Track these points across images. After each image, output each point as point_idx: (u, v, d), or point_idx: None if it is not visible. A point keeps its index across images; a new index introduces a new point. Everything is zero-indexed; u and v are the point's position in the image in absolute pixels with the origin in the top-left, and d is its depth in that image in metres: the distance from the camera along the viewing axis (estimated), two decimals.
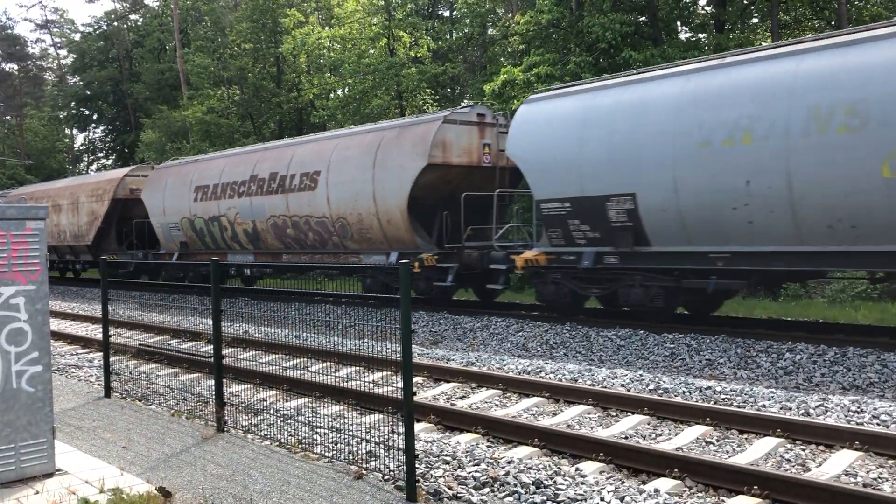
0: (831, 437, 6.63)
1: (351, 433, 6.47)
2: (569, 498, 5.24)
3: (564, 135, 12.77)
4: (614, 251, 12.32)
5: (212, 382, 7.49)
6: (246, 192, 19.31)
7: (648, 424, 7.53)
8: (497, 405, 8.58)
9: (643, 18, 24.76)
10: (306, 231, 17.91)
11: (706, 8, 27.09)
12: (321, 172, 17.10)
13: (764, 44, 13.07)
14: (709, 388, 8.60)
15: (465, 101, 33.59)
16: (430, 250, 15.18)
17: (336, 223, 16.92)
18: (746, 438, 6.96)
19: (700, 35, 26.88)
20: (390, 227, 15.72)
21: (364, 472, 5.66)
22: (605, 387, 8.94)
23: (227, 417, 7.17)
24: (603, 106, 12.44)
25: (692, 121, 11.11)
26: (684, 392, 8.52)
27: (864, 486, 5.70)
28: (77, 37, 58.70)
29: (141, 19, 53.61)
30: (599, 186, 12.23)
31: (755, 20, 27.36)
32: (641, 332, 11.92)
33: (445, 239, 15.44)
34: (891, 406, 7.57)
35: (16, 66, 60.09)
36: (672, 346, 11.05)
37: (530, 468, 5.81)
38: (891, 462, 6.21)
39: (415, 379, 9.37)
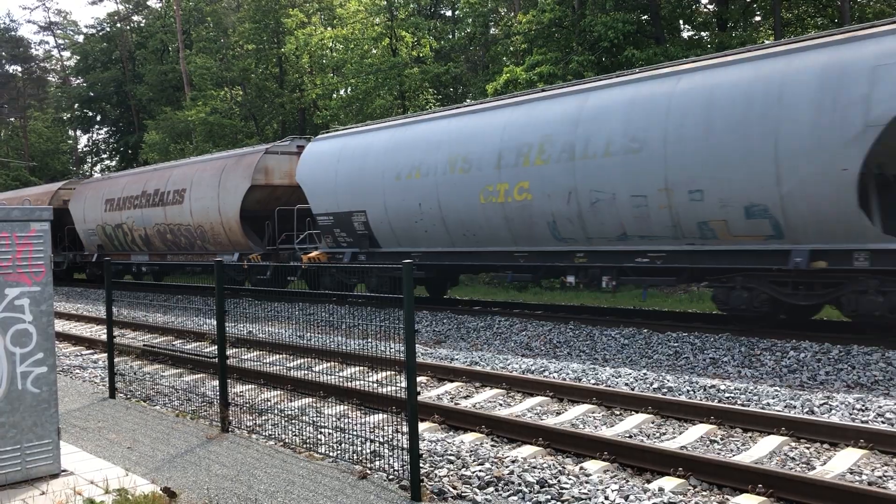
0: (836, 436, 6.62)
1: (355, 433, 6.48)
2: (573, 497, 5.24)
3: (328, 167, 17.10)
4: (360, 251, 16.68)
5: (216, 383, 7.51)
6: (139, 205, 23.85)
7: (652, 423, 7.53)
8: (501, 405, 8.58)
9: (645, 17, 24.74)
10: (179, 236, 22.32)
11: (708, 6, 27.06)
12: (186, 190, 21.47)
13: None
14: (713, 386, 8.60)
15: (468, 100, 33.60)
16: (258, 251, 19.54)
17: (197, 230, 21.32)
18: (751, 437, 6.96)
19: (703, 33, 26.85)
20: (231, 233, 20.11)
21: (368, 471, 5.66)
22: (609, 386, 8.94)
23: (231, 418, 7.19)
24: (349, 147, 16.90)
25: (392, 161, 15.52)
26: (688, 391, 8.52)
27: (870, 484, 5.69)
28: (80, 38, 58.75)
29: (144, 20, 53.65)
30: (347, 205, 16.53)
31: (758, 18, 27.31)
32: (645, 330, 11.92)
33: (268, 242, 19.80)
34: None
35: (19, 68, 60.16)
36: (676, 344, 11.05)
37: (534, 467, 5.81)
38: None
39: (419, 378, 9.40)
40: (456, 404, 8.49)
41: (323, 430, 6.80)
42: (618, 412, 7.95)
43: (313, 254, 17.53)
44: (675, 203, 11.24)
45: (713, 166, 10.78)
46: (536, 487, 5.40)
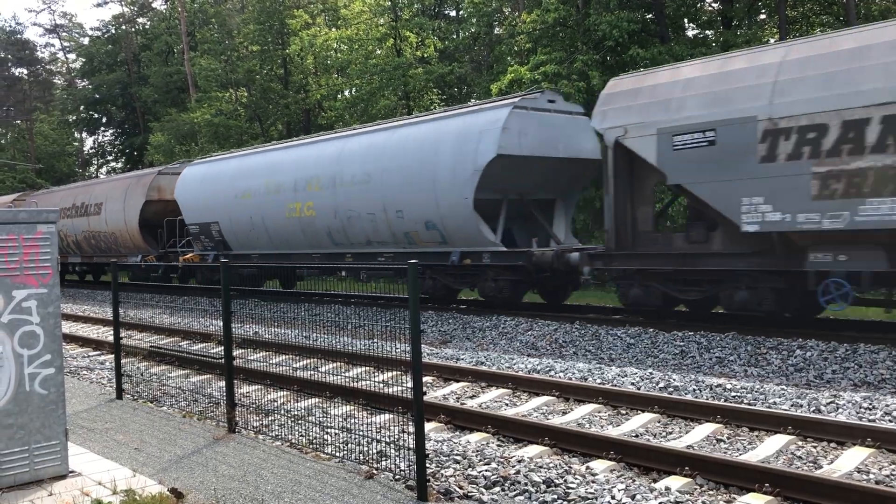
0: (843, 435, 6.60)
1: (361, 433, 6.49)
2: (579, 496, 5.24)
3: (196, 187, 21.71)
4: (219, 253, 21.09)
5: (223, 384, 7.53)
6: (70, 215, 28.05)
7: (659, 423, 7.53)
8: (507, 404, 8.58)
9: (650, 16, 24.69)
10: (100, 241, 26.81)
11: (713, 5, 27.00)
12: (103, 203, 26.10)
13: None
14: (719, 385, 8.58)
15: (472, 100, 33.56)
16: (154, 253, 24.23)
17: (111, 236, 25.97)
18: (757, 436, 6.94)
19: (707, 32, 26.80)
20: (134, 239, 24.73)
21: (375, 471, 5.67)
22: (615, 385, 8.93)
23: (238, 418, 7.21)
24: (210, 172, 21.55)
25: (233, 184, 20.12)
26: (694, 390, 8.51)
27: (877, 483, 5.68)
28: (86, 41, 58.92)
29: (148, 23, 53.77)
30: (207, 217, 21.10)
31: (763, 16, 27.24)
32: (651, 330, 11.90)
33: (161, 246, 24.35)
34: None
35: (25, 71, 60.35)
36: (682, 343, 11.03)
37: (541, 467, 5.82)
38: None
39: (424, 378, 9.40)
40: (462, 404, 8.49)
41: (329, 430, 6.81)
42: (624, 411, 7.94)
43: (188, 255, 22.22)
44: (390, 219, 15.72)
45: (407, 194, 15.19)
46: (543, 487, 5.40)
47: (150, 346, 12.73)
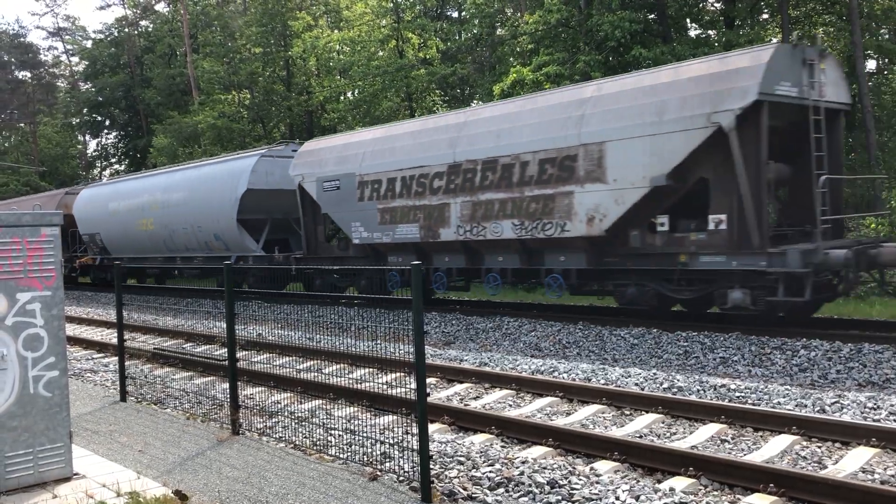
0: (847, 435, 6.59)
1: (365, 435, 6.49)
2: (584, 497, 5.24)
3: (86, 205, 27.48)
4: (104, 257, 27.06)
5: (226, 385, 7.54)
6: None
7: (663, 423, 7.51)
8: (511, 405, 8.58)
9: (652, 16, 24.67)
10: None
11: (715, 4, 26.97)
12: None
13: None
14: (723, 385, 8.57)
15: (475, 101, 33.58)
16: (62, 256, 27.45)
17: None
18: (761, 436, 6.93)
19: (710, 31, 26.75)
20: None
21: (379, 473, 5.67)
22: (619, 386, 8.92)
23: (242, 420, 7.21)
24: (97, 193, 27.40)
25: (109, 204, 25.73)
26: (698, 390, 8.50)
27: (882, 483, 5.66)
28: (89, 44, 58.97)
29: (151, 25, 53.81)
30: (93, 229, 26.97)
31: (765, 16, 27.19)
32: (655, 330, 11.90)
33: (68, 251, 29.28)
34: None
35: (29, 74, 60.47)
36: (686, 344, 11.01)
37: (545, 468, 5.81)
38: None
39: (428, 380, 9.39)
40: (465, 405, 8.49)
41: (333, 431, 6.81)
42: (628, 412, 7.93)
43: (84, 258, 28.24)
44: (196, 232, 21.52)
45: (202, 215, 21.00)
46: (547, 488, 5.40)
47: (154, 349, 12.75)
